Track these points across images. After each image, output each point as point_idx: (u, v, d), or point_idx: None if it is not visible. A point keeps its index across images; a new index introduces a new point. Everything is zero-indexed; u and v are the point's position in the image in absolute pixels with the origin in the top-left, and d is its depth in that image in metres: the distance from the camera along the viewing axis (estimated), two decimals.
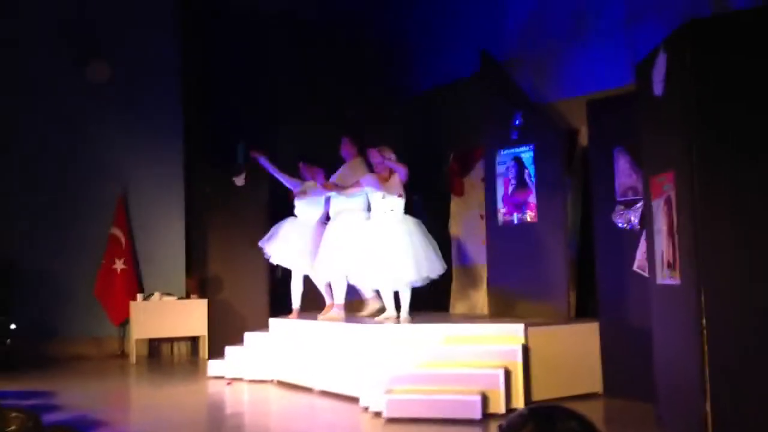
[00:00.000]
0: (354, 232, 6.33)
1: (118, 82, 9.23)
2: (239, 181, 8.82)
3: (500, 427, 2.26)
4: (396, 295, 6.18)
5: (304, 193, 7.08)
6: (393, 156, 6.15)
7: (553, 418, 2.07)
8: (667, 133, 4.30)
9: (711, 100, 3.92)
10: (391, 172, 6.11)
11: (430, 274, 5.99)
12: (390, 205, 6.07)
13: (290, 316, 7.03)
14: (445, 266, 6.12)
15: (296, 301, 7.10)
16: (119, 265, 9.00)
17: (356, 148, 6.93)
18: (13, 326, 8.10)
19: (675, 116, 4.14)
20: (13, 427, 4.35)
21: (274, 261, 7.23)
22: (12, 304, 8.59)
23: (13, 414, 4.50)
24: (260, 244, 7.23)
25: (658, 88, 4.41)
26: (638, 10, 6.38)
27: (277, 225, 7.24)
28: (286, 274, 7.48)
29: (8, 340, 8.05)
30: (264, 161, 7.25)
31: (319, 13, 9.90)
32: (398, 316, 6.07)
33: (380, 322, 6.02)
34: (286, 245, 7.02)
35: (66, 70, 9.08)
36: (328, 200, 6.97)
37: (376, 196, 6.15)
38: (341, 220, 6.61)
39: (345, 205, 6.61)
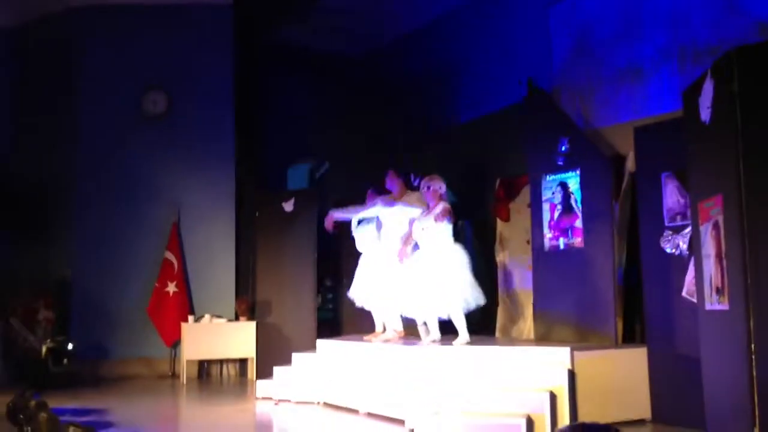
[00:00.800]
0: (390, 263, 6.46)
1: (174, 111, 9.59)
2: (288, 206, 9.00)
3: None
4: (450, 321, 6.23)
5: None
6: (440, 188, 6.23)
7: None
8: (715, 158, 4.31)
9: (758, 125, 3.92)
10: (439, 199, 6.20)
11: (472, 302, 6.04)
12: (430, 236, 6.15)
13: (372, 336, 6.94)
14: (483, 299, 6.12)
15: (379, 325, 7.00)
16: (171, 288, 9.25)
17: (401, 179, 6.91)
18: (71, 346, 8.38)
19: (722, 142, 4.15)
20: None
21: (358, 304, 7.08)
22: (70, 326, 8.92)
23: (71, 429, 4.70)
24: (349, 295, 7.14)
25: (705, 114, 4.43)
26: (686, 37, 6.39)
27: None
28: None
29: (66, 360, 8.32)
30: (337, 215, 6.99)
31: (367, 46, 10.13)
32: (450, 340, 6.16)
33: (423, 345, 6.09)
34: (361, 285, 6.96)
35: (126, 100, 9.47)
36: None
37: (416, 224, 6.27)
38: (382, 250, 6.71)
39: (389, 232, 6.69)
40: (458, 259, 6.10)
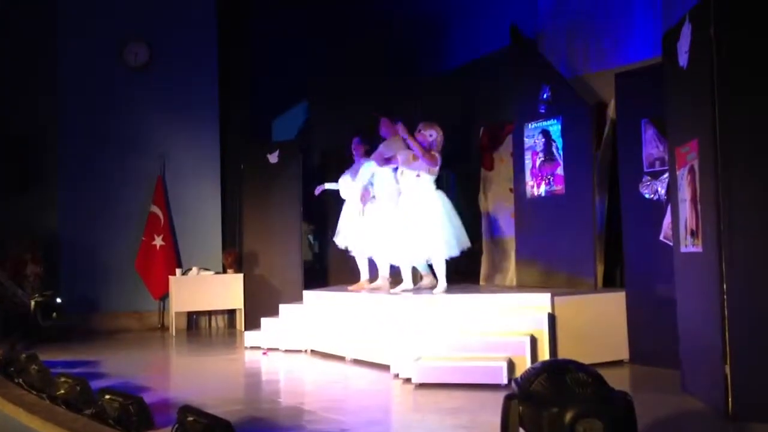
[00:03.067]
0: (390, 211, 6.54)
1: (157, 63, 9.49)
2: (273, 158, 9.00)
3: (516, 379, 2.41)
4: (431, 267, 6.35)
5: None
6: (434, 134, 6.24)
7: (564, 370, 2.21)
8: (692, 103, 4.34)
9: (733, 70, 3.95)
10: (429, 149, 6.20)
11: (459, 248, 6.13)
12: (410, 182, 6.20)
13: (355, 286, 7.10)
14: (469, 243, 6.24)
15: (364, 273, 7.17)
16: (158, 241, 9.29)
17: (394, 126, 7.00)
18: (59, 300, 8.44)
19: (699, 87, 4.18)
20: (62, 391, 4.64)
21: (341, 246, 7.32)
22: (58, 280, 8.97)
23: (62, 379, 4.78)
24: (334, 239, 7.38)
25: (683, 59, 4.44)
26: None
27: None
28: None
29: (54, 314, 8.39)
30: (327, 185, 7.49)
31: None
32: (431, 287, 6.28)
33: (397, 293, 6.24)
34: (345, 229, 7.17)
35: (107, 52, 9.37)
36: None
37: (398, 171, 6.32)
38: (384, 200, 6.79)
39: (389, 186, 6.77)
40: (441, 205, 6.16)
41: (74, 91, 9.30)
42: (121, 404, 3.97)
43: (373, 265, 7.04)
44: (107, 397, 4.11)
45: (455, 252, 6.14)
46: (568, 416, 2.04)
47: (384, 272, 6.86)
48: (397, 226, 6.22)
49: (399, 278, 6.84)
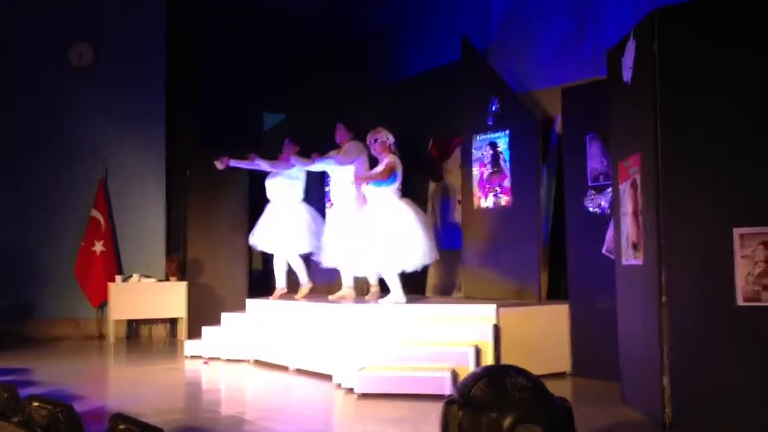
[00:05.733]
0: (351, 219, 6.45)
1: (101, 65, 9.26)
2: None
3: (457, 386, 2.38)
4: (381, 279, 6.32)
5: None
6: (387, 139, 6.19)
7: (504, 374, 2.19)
8: (635, 118, 4.42)
9: (676, 85, 4.03)
10: (388, 151, 6.13)
11: (424, 259, 6.01)
12: (377, 189, 6.07)
13: (273, 296, 7.13)
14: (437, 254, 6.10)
15: (280, 280, 7.20)
16: (98, 247, 9.02)
17: (351, 134, 6.96)
18: None
19: (642, 101, 4.26)
20: None
21: (259, 249, 7.37)
22: None
23: None
24: (250, 241, 7.37)
25: (627, 74, 4.52)
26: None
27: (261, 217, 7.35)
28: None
29: None
30: (234, 163, 7.36)
31: (305, 3, 9.96)
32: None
33: (336, 301, 6.24)
34: (269, 231, 7.14)
35: (49, 52, 9.09)
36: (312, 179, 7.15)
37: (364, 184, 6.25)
38: (343, 207, 6.77)
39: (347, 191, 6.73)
40: (405, 215, 6.02)
41: (14, 90, 8.99)
42: (49, 411, 3.79)
43: (292, 272, 7.12)
44: (35, 404, 3.93)
45: (428, 260, 6.05)
46: (507, 421, 2.02)
47: (349, 281, 6.80)
48: (364, 234, 6.02)
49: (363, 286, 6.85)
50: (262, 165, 7.20)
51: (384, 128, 6.24)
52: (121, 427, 3.35)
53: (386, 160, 6.07)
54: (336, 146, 6.99)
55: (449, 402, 2.19)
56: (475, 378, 2.20)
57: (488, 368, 2.22)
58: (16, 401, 4.26)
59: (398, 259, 5.92)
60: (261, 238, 7.19)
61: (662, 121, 4.04)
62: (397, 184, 6.05)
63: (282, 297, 7.11)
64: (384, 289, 6.37)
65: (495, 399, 2.08)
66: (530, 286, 5.99)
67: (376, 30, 9.33)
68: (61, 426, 3.73)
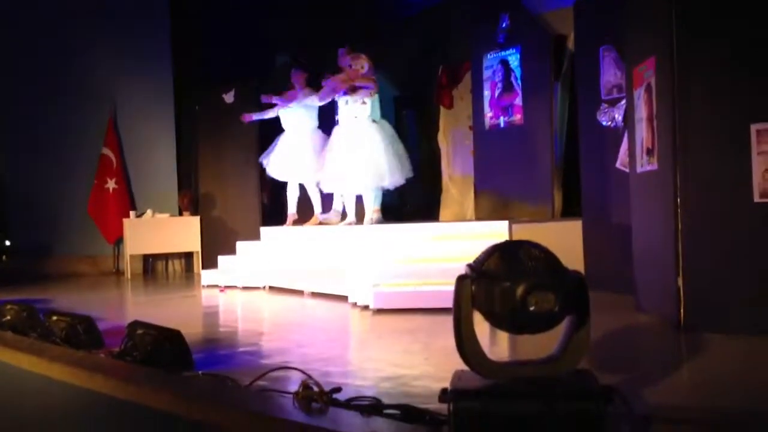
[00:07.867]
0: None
1: (107, 3, 9.13)
2: (228, 98, 8.81)
3: (469, 264, 2.36)
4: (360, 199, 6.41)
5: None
6: (365, 66, 6.16)
7: (517, 247, 2.17)
8: (650, 24, 4.30)
9: None
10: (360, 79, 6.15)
11: (394, 180, 6.11)
12: (354, 111, 6.14)
13: (287, 222, 7.17)
14: (411, 173, 6.24)
15: (292, 206, 7.25)
16: (111, 184, 9.07)
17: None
18: (8, 243, 8.21)
19: (657, 7, 4.14)
20: (8, 318, 4.50)
21: (273, 175, 7.36)
22: (7, 223, 8.71)
23: (8, 307, 4.64)
24: (260, 159, 7.37)
25: None
26: None
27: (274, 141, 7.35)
28: None
29: (4, 257, 8.17)
30: (257, 116, 7.54)
31: None
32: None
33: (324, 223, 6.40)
34: (281, 158, 7.14)
35: None
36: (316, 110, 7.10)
37: (341, 102, 6.24)
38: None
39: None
40: (379, 134, 6.11)
41: (17, 30, 8.91)
42: (68, 323, 3.87)
43: (327, 197, 7.05)
44: (54, 318, 4.01)
45: (400, 180, 6.13)
46: (520, 289, 2.00)
47: (337, 205, 6.85)
48: (339, 155, 6.17)
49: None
50: (280, 104, 7.21)
51: (362, 56, 6.20)
52: (139, 331, 3.41)
53: (367, 74, 6.15)
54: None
55: (462, 277, 2.18)
56: (487, 254, 2.18)
57: (501, 243, 2.19)
58: (35, 319, 4.34)
59: (372, 180, 6.06)
60: (276, 166, 7.18)
61: (677, 22, 3.93)
62: (370, 103, 6.18)
63: (294, 223, 7.15)
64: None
65: (508, 269, 2.07)
66: (543, 204, 5.96)
67: None
68: (81, 336, 3.81)
